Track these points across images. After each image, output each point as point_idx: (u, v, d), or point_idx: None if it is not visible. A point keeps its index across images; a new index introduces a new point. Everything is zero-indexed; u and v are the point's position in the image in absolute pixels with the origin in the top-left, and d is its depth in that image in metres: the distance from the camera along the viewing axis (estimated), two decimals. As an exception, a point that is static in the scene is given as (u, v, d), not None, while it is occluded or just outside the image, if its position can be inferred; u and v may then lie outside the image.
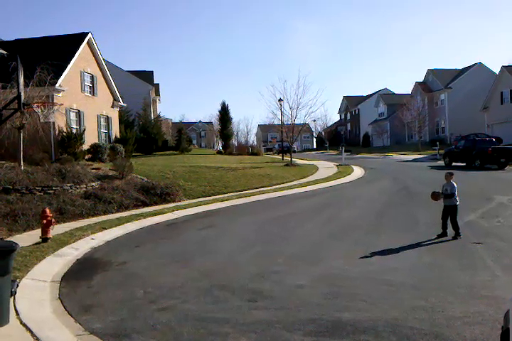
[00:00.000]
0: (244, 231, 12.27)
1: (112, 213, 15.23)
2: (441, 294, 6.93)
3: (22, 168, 17.75)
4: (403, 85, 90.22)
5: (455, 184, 10.76)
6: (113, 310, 6.69)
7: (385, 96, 75.94)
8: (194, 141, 78.33)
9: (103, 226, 12.68)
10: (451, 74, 58.52)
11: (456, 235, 10.45)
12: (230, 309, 6.63)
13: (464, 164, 29.31)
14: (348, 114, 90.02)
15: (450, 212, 10.63)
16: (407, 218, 13.14)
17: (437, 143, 41.96)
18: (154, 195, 17.54)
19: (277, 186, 22.19)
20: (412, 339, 5.45)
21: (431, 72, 60.87)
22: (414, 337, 5.48)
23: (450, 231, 10.69)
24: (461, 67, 60.48)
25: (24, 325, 6.01)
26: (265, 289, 7.40)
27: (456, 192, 10.71)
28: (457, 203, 10.67)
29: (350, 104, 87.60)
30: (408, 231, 11.48)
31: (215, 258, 9.57)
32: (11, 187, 14.79)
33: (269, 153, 65.98)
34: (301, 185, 22.43)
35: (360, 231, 11.60)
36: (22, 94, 14.97)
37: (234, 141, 67.47)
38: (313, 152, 76.43)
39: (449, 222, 10.68)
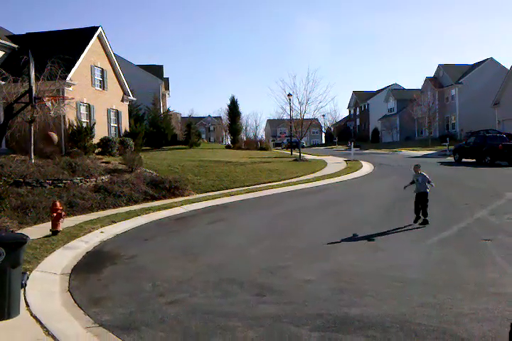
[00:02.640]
0: (252, 226, 12.29)
1: (122, 206, 15.31)
2: (449, 291, 6.91)
3: (33, 161, 17.88)
4: (413, 80, 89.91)
5: (425, 173, 11.96)
6: (122, 303, 6.75)
7: (395, 91, 75.52)
8: (203, 136, 78.41)
9: (112, 220, 12.76)
10: (462, 69, 58.06)
11: (424, 222, 11.50)
12: (238, 303, 6.66)
13: (474, 160, 29.11)
14: (358, 109, 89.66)
15: (421, 199, 11.67)
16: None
17: (447, 138, 41.66)
18: (163, 188, 17.60)
19: (286, 181, 22.18)
20: (419, 335, 5.44)
21: (442, 68, 60.43)
22: (422, 333, 5.47)
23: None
24: (472, 63, 60.01)
25: (34, 317, 6.08)
26: (273, 283, 7.42)
27: (430, 180, 11.86)
28: (427, 191, 11.71)
29: (360, 99, 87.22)
30: (417, 227, 11.44)
31: (223, 252, 9.61)
32: (21, 180, 14.90)
33: (277, 148, 65.88)
34: (309, 180, 22.41)
35: (368, 227, 11.58)
36: (33, 87, 15.09)
37: (243, 136, 67.47)
38: (322, 147, 76.25)
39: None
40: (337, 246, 9.88)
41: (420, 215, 11.68)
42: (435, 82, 60.47)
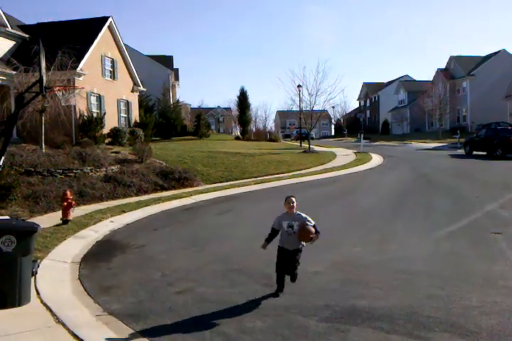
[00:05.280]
0: (261, 217, 12.28)
1: (131, 197, 15.40)
2: (458, 283, 6.91)
3: (43, 150, 17.99)
4: (424, 72, 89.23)
5: (305, 214, 6.59)
6: (131, 292, 6.81)
7: (406, 83, 74.94)
8: (212, 127, 78.36)
9: (122, 210, 12.84)
10: (474, 61, 57.44)
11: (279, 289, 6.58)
12: (246, 293, 6.69)
13: (485, 153, 28.88)
14: (368, 101, 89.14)
15: (289, 259, 6.47)
16: (425, 206, 13.04)
17: (458, 131, 41.38)
18: (173, 179, 17.66)
19: (295, 173, 22.16)
20: (427, 327, 5.45)
21: (453, 59, 59.84)
22: (429, 326, 5.48)
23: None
24: (484, 54, 59.35)
25: (44, 305, 6.16)
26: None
27: (314, 227, 6.43)
28: (301, 247, 6.52)
29: (370, 91, 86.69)
30: (426, 219, 11.41)
31: (231, 243, 9.65)
32: (32, 169, 15.02)
33: (287, 139, 65.76)
34: (319, 172, 22.36)
35: (377, 219, 11.57)
36: (44, 77, 15.07)
37: (252, 127, 67.35)
38: (331, 139, 75.98)
39: None
40: (344, 237, 9.87)
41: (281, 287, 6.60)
42: (446, 73, 59.92)
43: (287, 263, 6.50)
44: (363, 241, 9.44)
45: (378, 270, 7.64)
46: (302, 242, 6.49)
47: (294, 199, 6.55)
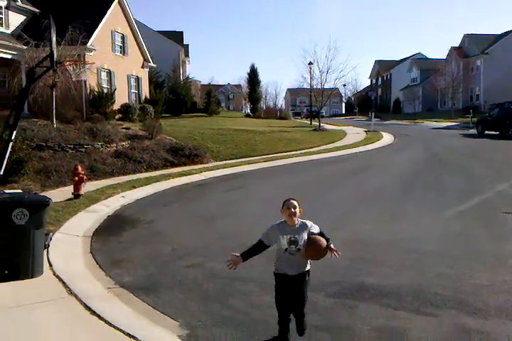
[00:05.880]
0: (270, 195, 12.32)
1: (141, 172, 15.48)
2: (467, 262, 6.91)
3: (54, 125, 18.04)
4: (438, 50, 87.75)
5: (311, 223, 4.60)
6: (142, 265, 6.90)
7: (419, 61, 73.85)
8: (222, 104, 78.05)
9: (133, 185, 12.92)
10: (489, 39, 56.32)
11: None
12: (255, 269, 6.73)
13: (497, 133, 28.59)
14: (380, 79, 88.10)
15: (294, 289, 4.52)
16: (435, 186, 12.99)
17: (470, 110, 40.88)
18: (183, 156, 17.70)
19: (305, 151, 22.11)
20: (434, 304, 5.48)
21: (467, 37, 58.74)
22: (437, 303, 5.51)
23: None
24: (499, 33, 58.16)
25: (57, 277, 6.24)
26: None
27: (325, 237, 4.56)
28: (307, 270, 4.58)
29: (382, 69, 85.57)
30: (437, 198, 11.37)
31: (241, 219, 9.69)
32: (44, 144, 15.09)
33: (297, 117, 65.41)
34: (328, 150, 22.30)
35: (388, 198, 11.55)
36: (55, 52, 15.01)
37: (262, 105, 67.05)
38: (342, 117, 75.49)
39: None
40: (354, 216, 9.89)
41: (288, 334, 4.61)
42: (460, 52, 58.92)
43: (291, 296, 4.50)
44: (373, 220, 9.44)
45: (388, 248, 7.66)
46: (313, 260, 4.58)
47: (296, 203, 4.42)
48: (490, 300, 5.54)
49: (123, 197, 11.64)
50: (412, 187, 12.99)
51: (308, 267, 4.56)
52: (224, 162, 18.43)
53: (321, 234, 4.55)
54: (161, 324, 5.04)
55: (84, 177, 11.31)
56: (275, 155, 20.43)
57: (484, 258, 7.10)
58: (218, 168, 16.69)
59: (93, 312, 5.12)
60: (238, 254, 4.47)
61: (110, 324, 4.86)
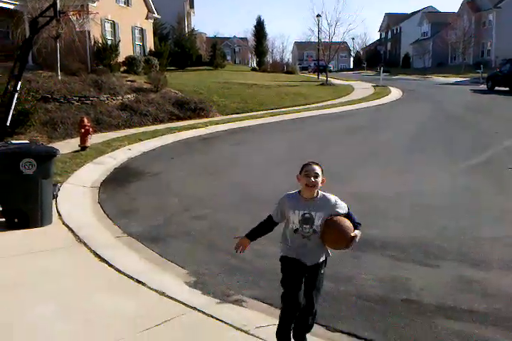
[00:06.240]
0: (276, 148, 12.32)
1: (147, 125, 15.45)
2: (473, 216, 6.96)
3: (59, 77, 17.84)
4: (450, 3, 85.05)
5: (336, 199, 3.47)
6: (149, 216, 7.00)
7: (430, 14, 71.78)
8: (228, 57, 76.62)
9: (139, 138, 12.93)
10: (503, -8, 54.46)
11: None
12: (261, 220, 6.82)
13: (507, 89, 28.11)
14: (389, 33, 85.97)
15: (309, 282, 3.45)
16: (443, 141, 12.91)
17: (481, 66, 40.03)
18: (188, 109, 17.60)
19: (311, 105, 21.91)
20: (438, 256, 5.56)
21: (481, -10, 56.82)
22: (440, 255, 5.59)
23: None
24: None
25: (66, 226, 6.35)
26: (296, 204, 7.54)
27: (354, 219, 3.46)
28: (325, 258, 3.50)
29: (392, 22, 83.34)
30: (445, 154, 11.32)
31: (246, 172, 9.72)
32: (49, 96, 15.00)
33: (304, 71, 64.35)
34: (335, 105, 22.09)
35: (395, 153, 11.52)
36: (58, 1, 14.68)
37: (269, 58, 65.87)
38: (350, 72, 74.22)
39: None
40: (361, 170, 9.88)
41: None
42: (473, 5, 57.11)
43: (304, 290, 3.42)
44: (380, 174, 9.44)
45: (394, 202, 7.70)
46: (330, 249, 3.48)
47: (318, 169, 3.38)
48: (493, 254, 5.61)
49: (129, 149, 11.67)
50: (420, 142, 12.91)
51: (324, 256, 3.43)
52: (230, 116, 18.31)
53: (348, 215, 3.41)
54: (169, 271, 5.16)
55: (91, 130, 11.31)
56: (282, 109, 20.27)
57: (489, 213, 7.14)
58: (224, 122, 16.61)
59: (102, 260, 5.23)
60: (243, 236, 3.65)
61: (119, 270, 4.97)
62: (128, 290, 4.65)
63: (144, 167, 10.15)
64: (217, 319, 4.17)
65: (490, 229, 6.43)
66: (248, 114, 18.98)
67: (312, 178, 3.33)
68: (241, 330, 3.99)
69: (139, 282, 4.75)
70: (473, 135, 13.68)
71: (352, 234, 3.28)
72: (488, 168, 9.99)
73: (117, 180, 9.12)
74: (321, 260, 3.44)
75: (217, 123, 16.40)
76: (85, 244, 5.64)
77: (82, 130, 11.04)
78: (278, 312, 4.52)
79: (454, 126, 15.45)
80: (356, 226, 3.37)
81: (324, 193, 3.45)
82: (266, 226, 3.64)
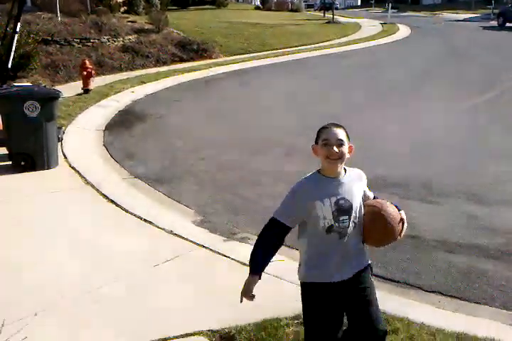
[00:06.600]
0: (281, 90, 12.14)
1: (150, 67, 15.19)
2: (477, 155, 6.98)
3: (59, 19, 17.39)
4: None
5: (362, 177, 2.56)
6: (155, 158, 7.03)
7: None
8: (231, -4, 73.94)
9: (142, 80, 12.75)
10: None
11: None
12: (267, 161, 6.88)
13: (520, 25, 27.26)
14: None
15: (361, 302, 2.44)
16: (451, 79, 12.68)
17: (492, 1, 38.54)
18: (191, 50, 17.23)
19: (317, 45, 21.34)
20: (441, 193, 5.63)
21: None
22: (443, 192, 5.66)
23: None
24: None
25: (73, 168, 6.41)
26: (302, 145, 7.51)
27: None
28: (368, 264, 2.53)
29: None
30: (452, 91, 11.14)
31: (251, 115, 9.64)
32: (49, 38, 14.68)
33: (309, 9, 62.23)
34: (342, 44, 21.52)
35: (401, 91, 11.37)
36: None
37: (273, -4, 63.47)
38: (357, 9, 71.63)
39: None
40: (367, 110, 9.76)
41: None
42: None
43: (355, 314, 2.44)
44: (385, 113, 9.35)
45: (398, 141, 7.68)
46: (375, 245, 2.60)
47: (342, 133, 2.47)
48: (496, 190, 5.68)
49: (133, 92, 11.54)
50: (427, 81, 12.69)
51: (367, 257, 2.52)
52: (233, 57, 17.92)
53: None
54: (176, 211, 5.27)
55: (93, 72, 11.14)
56: (287, 49, 19.77)
57: (494, 151, 7.14)
58: (228, 64, 16.29)
59: (110, 200, 5.32)
60: (248, 276, 2.39)
61: (127, 210, 5.08)
62: (136, 228, 4.77)
63: (148, 109, 10.08)
64: (225, 255, 4.30)
65: (494, 166, 6.46)
66: (252, 54, 18.56)
67: (335, 148, 2.31)
68: (248, 266, 4.11)
69: (146, 221, 4.86)
70: (482, 72, 13.41)
71: (398, 220, 2.42)
72: (497, 106, 9.88)
73: (122, 122, 9.08)
74: (366, 262, 2.49)
75: (220, 64, 16.08)
76: (92, 186, 5.72)
77: (84, 72, 10.88)
78: (283, 248, 4.68)
79: (463, 64, 15.12)
80: (397, 206, 2.52)
81: (353, 168, 2.52)
82: (275, 241, 2.35)
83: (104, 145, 7.63)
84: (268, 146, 7.54)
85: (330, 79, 13.29)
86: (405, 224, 2.47)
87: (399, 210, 2.49)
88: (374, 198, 2.59)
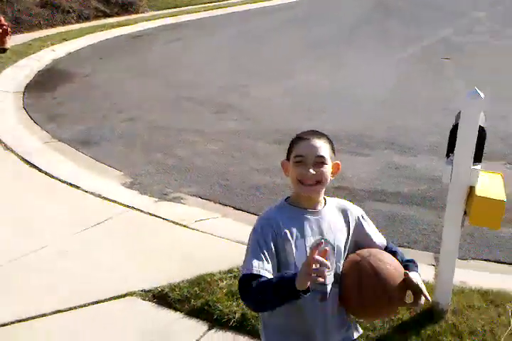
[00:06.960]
0: (214, 46, 11.81)
1: (72, 24, 14.32)
2: (403, 108, 7.15)
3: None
4: None
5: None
6: (80, 120, 6.73)
7: None
8: None
9: (64, 38, 12.02)
10: None
11: None
12: (198, 120, 6.76)
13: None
14: None
15: None
16: (380, 34, 12.73)
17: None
18: (116, 4, 16.34)
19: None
20: (369, 146, 5.78)
21: None
22: (371, 145, 5.81)
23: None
24: None
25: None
26: (233, 102, 7.45)
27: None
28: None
29: None
30: (380, 46, 11.20)
31: (182, 72, 9.35)
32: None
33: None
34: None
35: (333, 45, 11.30)
36: None
37: None
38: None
39: None
40: (298, 66, 9.64)
41: None
42: None
43: None
44: (316, 69, 9.32)
45: (328, 96, 7.72)
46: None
47: (323, 144, 1.75)
48: (421, 141, 5.88)
49: (53, 50, 10.88)
50: (356, 35, 12.69)
51: (356, 328, 1.85)
52: (162, 12, 17.20)
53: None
54: (104, 174, 5.12)
55: (9, 30, 10.40)
56: (216, 3, 19.20)
57: (419, 104, 7.33)
58: (156, 18, 15.62)
59: (33, 166, 5.08)
60: None
61: (51, 175, 4.88)
62: (63, 194, 4.61)
63: (70, 69, 9.56)
64: (157, 216, 4.25)
65: (418, 119, 6.66)
66: (182, 8, 17.90)
67: (311, 169, 1.67)
68: (180, 225, 4.09)
69: (73, 186, 4.70)
70: (411, 27, 13.50)
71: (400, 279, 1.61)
72: (422, 58, 10.09)
73: (43, 83, 8.57)
74: (355, 333, 1.83)
75: (148, 19, 15.41)
76: (13, 151, 5.43)
77: (0, 30, 10.13)
78: (216, 206, 4.69)
79: (393, 19, 15.19)
80: (407, 265, 1.72)
81: (337, 199, 1.86)
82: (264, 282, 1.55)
83: (24, 107, 7.20)
84: (198, 104, 7.39)
85: (259, 34, 13.01)
86: (422, 299, 1.57)
87: (408, 269, 1.64)
88: (388, 250, 1.77)
